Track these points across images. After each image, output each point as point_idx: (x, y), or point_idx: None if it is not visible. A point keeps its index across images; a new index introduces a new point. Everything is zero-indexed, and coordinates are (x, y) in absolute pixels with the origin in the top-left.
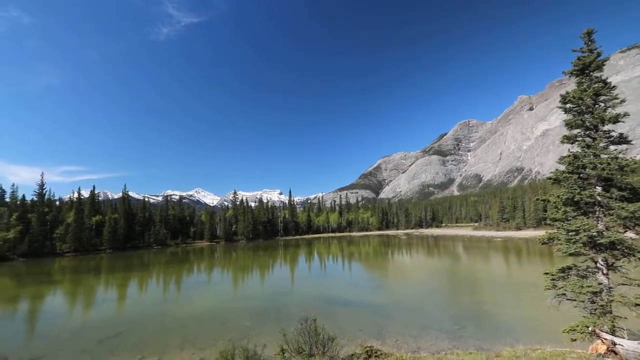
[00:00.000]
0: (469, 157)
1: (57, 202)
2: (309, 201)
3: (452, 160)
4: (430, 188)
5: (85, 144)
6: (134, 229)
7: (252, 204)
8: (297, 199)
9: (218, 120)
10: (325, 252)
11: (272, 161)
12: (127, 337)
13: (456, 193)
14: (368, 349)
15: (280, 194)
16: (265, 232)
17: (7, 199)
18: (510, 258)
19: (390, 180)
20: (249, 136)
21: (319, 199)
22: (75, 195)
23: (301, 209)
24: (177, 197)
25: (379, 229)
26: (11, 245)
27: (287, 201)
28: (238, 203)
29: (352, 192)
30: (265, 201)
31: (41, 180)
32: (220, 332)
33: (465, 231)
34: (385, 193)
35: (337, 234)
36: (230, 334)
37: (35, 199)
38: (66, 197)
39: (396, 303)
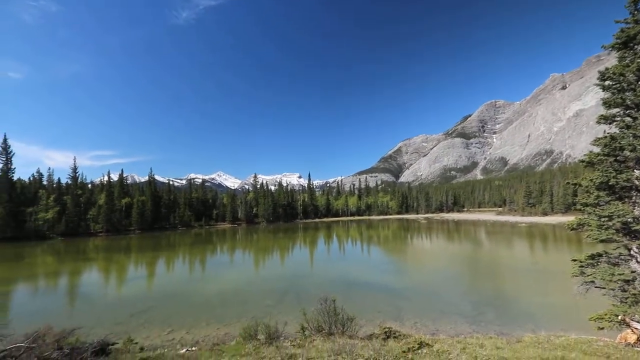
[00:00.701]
0: (494, 140)
1: (89, 185)
2: (328, 185)
3: (476, 143)
4: (452, 172)
5: (113, 129)
6: (160, 211)
7: (272, 188)
8: (316, 182)
9: (238, 105)
10: (344, 235)
11: (292, 145)
12: (156, 312)
13: (479, 177)
14: (387, 329)
15: (300, 177)
16: (285, 215)
17: (45, 182)
18: (535, 244)
19: (411, 164)
20: (269, 121)
21: (338, 182)
22: (106, 178)
23: (320, 192)
24: (200, 181)
25: (399, 213)
26: (50, 225)
27: (306, 185)
28: (258, 186)
29: (371, 176)
30: (284, 185)
31: (74, 164)
32: (243, 310)
33: (488, 216)
34: (406, 177)
35: (356, 218)
36: (252, 312)
37: (70, 182)
38: (97, 180)
39: (415, 287)
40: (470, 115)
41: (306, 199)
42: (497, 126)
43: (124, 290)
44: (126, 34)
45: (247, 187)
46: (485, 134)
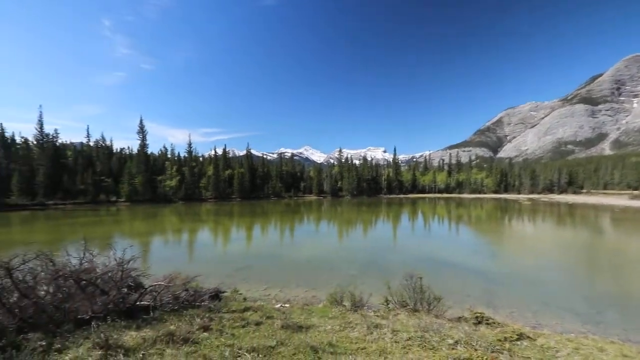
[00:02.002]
0: (635, 105)
1: (201, 158)
2: (414, 159)
3: (607, 110)
4: (569, 145)
5: (218, 109)
6: (256, 182)
7: (357, 162)
8: (401, 157)
9: (324, 83)
10: (430, 212)
11: (377, 119)
12: (254, 270)
13: (608, 152)
14: (478, 315)
15: (385, 152)
16: (369, 189)
17: (169, 155)
18: None
19: (514, 137)
20: (355, 95)
21: (425, 157)
22: (213, 152)
23: (406, 167)
24: (289, 155)
25: (495, 192)
26: (173, 191)
27: (391, 159)
28: (343, 160)
29: (464, 150)
30: (369, 159)
31: (189, 140)
32: (329, 277)
33: (616, 200)
34: (506, 151)
35: (444, 195)
36: (337, 280)
37: (186, 155)
38: (206, 154)
39: (512, 273)
40: (600, 75)
41: (391, 174)
42: None
43: (229, 248)
44: (224, 18)
45: (332, 161)
46: (621, 98)
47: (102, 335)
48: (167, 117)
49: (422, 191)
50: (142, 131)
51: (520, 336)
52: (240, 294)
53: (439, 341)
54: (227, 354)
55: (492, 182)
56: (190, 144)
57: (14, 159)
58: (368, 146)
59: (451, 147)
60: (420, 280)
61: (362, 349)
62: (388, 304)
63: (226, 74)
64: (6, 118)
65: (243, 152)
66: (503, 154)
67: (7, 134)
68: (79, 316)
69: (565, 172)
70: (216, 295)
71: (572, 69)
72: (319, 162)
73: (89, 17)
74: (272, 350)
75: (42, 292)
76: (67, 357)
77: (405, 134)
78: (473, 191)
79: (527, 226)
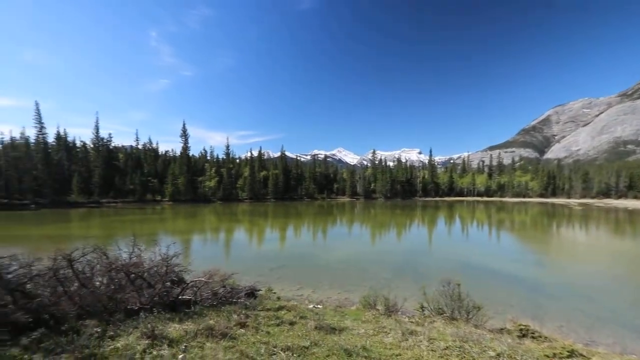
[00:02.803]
0: None
1: (237, 160)
2: (451, 161)
3: None
4: (629, 146)
5: (253, 112)
6: (289, 183)
7: (390, 164)
8: (437, 158)
9: (357, 82)
10: (469, 216)
11: (412, 119)
12: (288, 270)
13: None
14: (523, 327)
15: (420, 153)
16: (403, 191)
17: (208, 157)
18: None
19: (563, 136)
20: (388, 94)
21: (463, 158)
22: (249, 154)
23: (442, 169)
24: (322, 156)
25: (542, 195)
26: (212, 192)
27: (426, 161)
28: (377, 162)
29: (506, 151)
30: (403, 160)
31: (227, 143)
32: (362, 279)
33: None
34: (554, 152)
35: (484, 199)
36: (370, 283)
37: (224, 157)
38: (242, 156)
39: (561, 284)
40: None
41: (426, 176)
42: None
43: (263, 247)
44: (259, 26)
45: (365, 163)
46: None
47: (149, 325)
48: (206, 120)
49: (460, 194)
50: (184, 134)
51: (572, 353)
52: (274, 293)
53: (479, 353)
54: (262, 351)
55: (538, 185)
56: (228, 147)
57: (74, 161)
58: (402, 147)
59: (492, 148)
60: (458, 287)
61: (396, 355)
62: (423, 311)
63: (261, 78)
64: (69, 124)
65: (277, 154)
66: (551, 154)
67: (69, 139)
68: (129, 307)
69: (624, 175)
70: (252, 293)
71: (633, 60)
72: (352, 163)
73: (139, 29)
74: (306, 350)
75: (98, 283)
76: (119, 344)
77: (442, 134)
78: (516, 195)
79: (578, 233)
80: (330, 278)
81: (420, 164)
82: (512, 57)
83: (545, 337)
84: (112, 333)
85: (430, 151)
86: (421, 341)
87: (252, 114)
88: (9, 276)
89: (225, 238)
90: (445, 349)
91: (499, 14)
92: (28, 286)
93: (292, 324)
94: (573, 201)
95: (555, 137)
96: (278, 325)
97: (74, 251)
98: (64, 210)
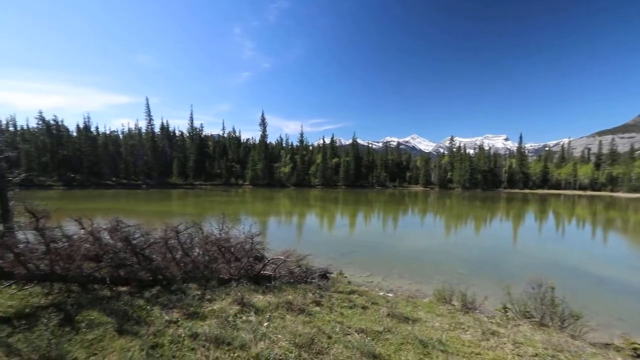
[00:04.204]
0: None
1: (310, 147)
2: (546, 148)
3: None
4: None
5: (325, 100)
6: (360, 171)
7: (471, 151)
8: (529, 145)
9: (434, 66)
10: (566, 213)
11: (498, 101)
12: (358, 256)
13: None
14: (637, 346)
15: (506, 139)
16: (485, 182)
17: (283, 145)
18: None
19: None
20: (470, 75)
21: (562, 145)
22: (321, 142)
23: (534, 157)
24: (395, 143)
25: None
26: (287, 177)
27: (514, 148)
28: (454, 150)
29: (622, 137)
30: (486, 148)
31: (301, 130)
32: (435, 272)
33: None
34: None
35: (588, 193)
36: (444, 277)
37: (298, 144)
38: (315, 143)
39: None
40: None
41: (514, 165)
42: None
43: (334, 232)
44: (331, 16)
45: (441, 150)
46: None
47: (239, 294)
48: (282, 109)
49: (556, 186)
50: (263, 123)
51: None
52: (345, 277)
53: None
54: (337, 329)
55: None
56: (301, 134)
57: (174, 148)
58: (485, 133)
59: (602, 133)
60: (552, 290)
61: (476, 354)
62: (506, 312)
63: (333, 66)
64: (170, 116)
65: (349, 141)
66: None
67: (170, 129)
68: (220, 276)
69: None
70: (324, 275)
71: None
72: (426, 151)
73: (226, 27)
74: (379, 335)
75: (196, 253)
76: (215, 307)
77: (535, 118)
78: (633, 189)
79: None
80: (401, 268)
81: (506, 152)
82: (629, 20)
83: None
84: (209, 297)
85: (520, 137)
86: (505, 343)
87: (325, 102)
88: (134, 242)
89: (297, 221)
90: (534, 356)
91: None
92: (146, 251)
93: (364, 308)
94: None
95: None
96: (351, 308)
97: (178, 225)
98: (166, 190)
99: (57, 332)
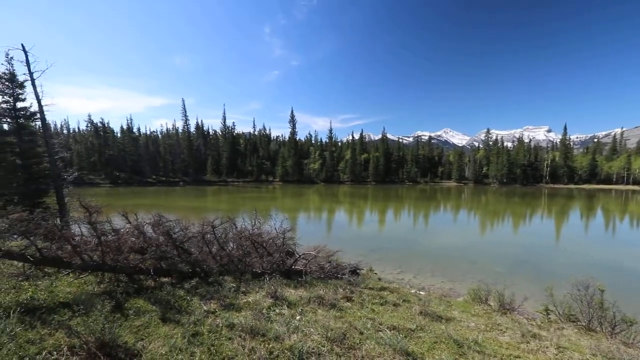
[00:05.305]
0: None
1: (339, 143)
2: (595, 140)
3: None
4: None
5: (355, 96)
6: (390, 166)
7: (508, 144)
8: (574, 137)
9: (463, 64)
10: (618, 210)
11: (539, 91)
12: (388, 252)
13: None
14: None
15: (549, 131)
16: (524, 176)
17: (312, 141)
18: None
19: None
20: (507, 65)
21: (614, 135)
22: (350, 137)
23: (581, 150)
24: (426, 138)
25: None
26: (316, 173)
27: (557, 140)
28: (491, 143)
29: None
30: (526, 140)
31: (330, 127)
32: (469, 270)
33: None
34: None
35: None
36: (479, 276)
37: (327, 141)
38: (344, 139)
39: None
40: None
41: (557, 159)
42: None
43: (364, 229)
44: (354, 12)
45: (476, 144)
46: None
47: (272, 287)
48: (311, 106)
49: (607, 181)
50: (292, 120)
51: None
52: (375, 273)
53: None
54: (369, 325)
55: None
56: (330, 130)
57: (208, 146)
58: (525, 125)
59: None
60: (601, 293)
61: (515, 357)
62: (548, 314)
63: (363, 61)
64: (204, 116)
65: (378, 137)
66: None
67: (205, 128)
68: (254, 269)
69: None
70: (354, 271)
71: None
72: (460, 145)
73: (256, 26)
74: (412, 332)
75: (230, 247)
76: (250, 299)
77: (582, 107)
78: None
79: None
80: (433, 265)
81: (548, 144)
82: None
83: None
84: (243, 289)
85: (565, 128)
86: (547, 347)
87: (353, 98)
88: (174, 235)
89: (327, 217)
90: None
91: None
92: (185, 245)
93: (395, 305)
94: None
95: None
96: (382, 304)
97: (214, 220)
98: (202, 187)
99: (109, 317)
